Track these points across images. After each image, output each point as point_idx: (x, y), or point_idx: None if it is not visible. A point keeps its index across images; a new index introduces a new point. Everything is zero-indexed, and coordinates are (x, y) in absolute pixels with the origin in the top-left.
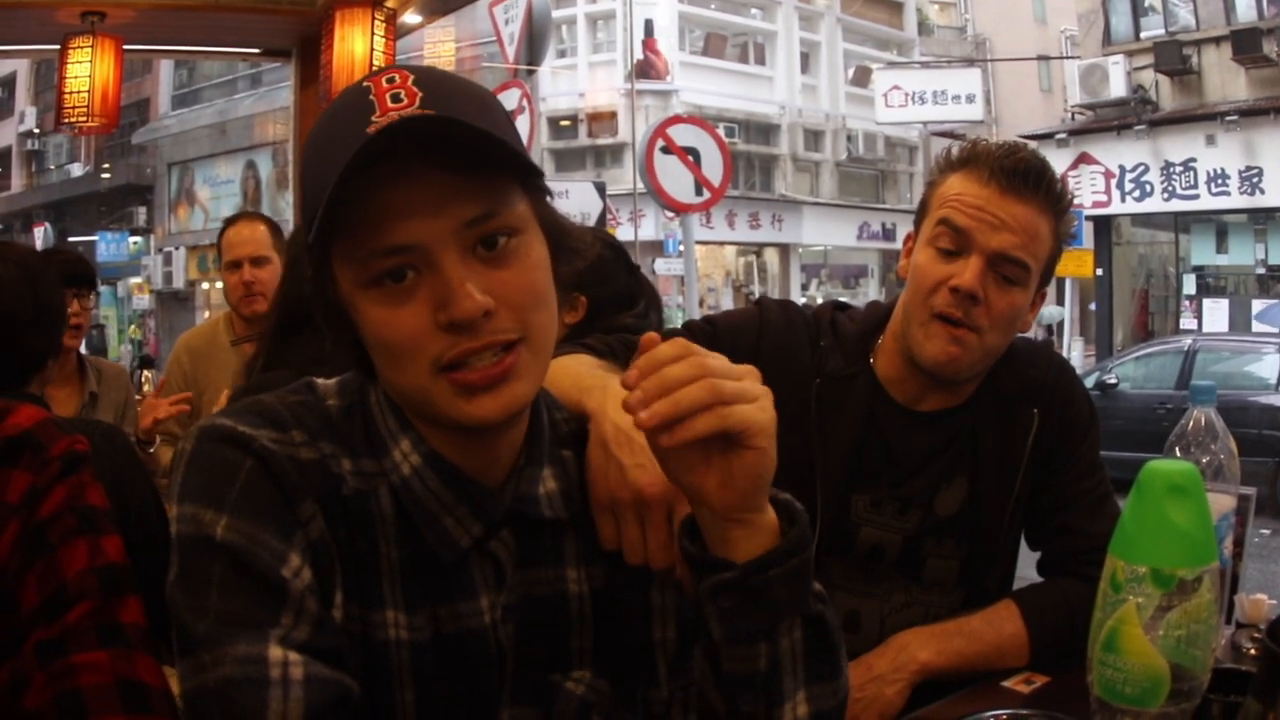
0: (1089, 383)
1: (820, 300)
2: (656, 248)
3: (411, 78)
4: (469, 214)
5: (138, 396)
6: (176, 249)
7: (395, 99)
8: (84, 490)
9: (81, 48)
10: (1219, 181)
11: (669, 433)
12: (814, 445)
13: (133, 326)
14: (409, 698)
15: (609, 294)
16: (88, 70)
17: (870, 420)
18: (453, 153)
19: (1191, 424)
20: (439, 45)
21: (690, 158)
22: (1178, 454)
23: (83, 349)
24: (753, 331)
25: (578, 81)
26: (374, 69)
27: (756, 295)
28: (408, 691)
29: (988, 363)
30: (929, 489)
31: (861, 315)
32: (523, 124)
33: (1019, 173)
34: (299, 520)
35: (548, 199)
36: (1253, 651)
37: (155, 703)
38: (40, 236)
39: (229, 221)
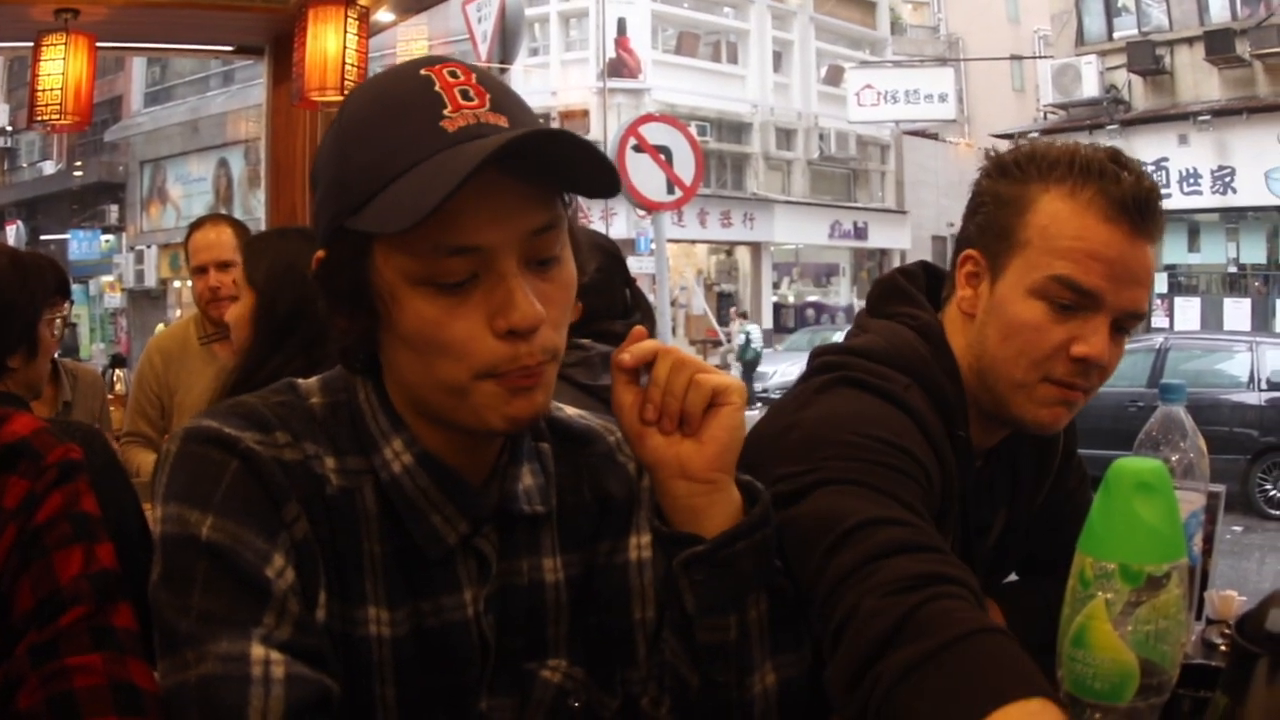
0: None
1: (791, 299)
2: (629, 246)
3: (474, 75)
4: (536, 223)
5: (110, 396)
6: (148, 247)
7: (465, 96)
8: (79, 497)
9: (54, 45)
10: (1191, 181)
11: (684, 427)
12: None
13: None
14: (390, 693)
15: (604, 303)
16: (61, 67)
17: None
18: (534, 164)
19: (1161, 422)
20: (411, 43)
21: (662, 156)
22: (1147, 452)
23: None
24: None
25: (550, 80)
26: (429, 59)
27: (728, 294)
28: (388, 687)
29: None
30: (984, 530)
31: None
32: None
33: (1149, 208)
34: (283, 521)
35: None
36: (1223, 647)
37: (148, 706)
38: (12, 234)
39: (195, 225)
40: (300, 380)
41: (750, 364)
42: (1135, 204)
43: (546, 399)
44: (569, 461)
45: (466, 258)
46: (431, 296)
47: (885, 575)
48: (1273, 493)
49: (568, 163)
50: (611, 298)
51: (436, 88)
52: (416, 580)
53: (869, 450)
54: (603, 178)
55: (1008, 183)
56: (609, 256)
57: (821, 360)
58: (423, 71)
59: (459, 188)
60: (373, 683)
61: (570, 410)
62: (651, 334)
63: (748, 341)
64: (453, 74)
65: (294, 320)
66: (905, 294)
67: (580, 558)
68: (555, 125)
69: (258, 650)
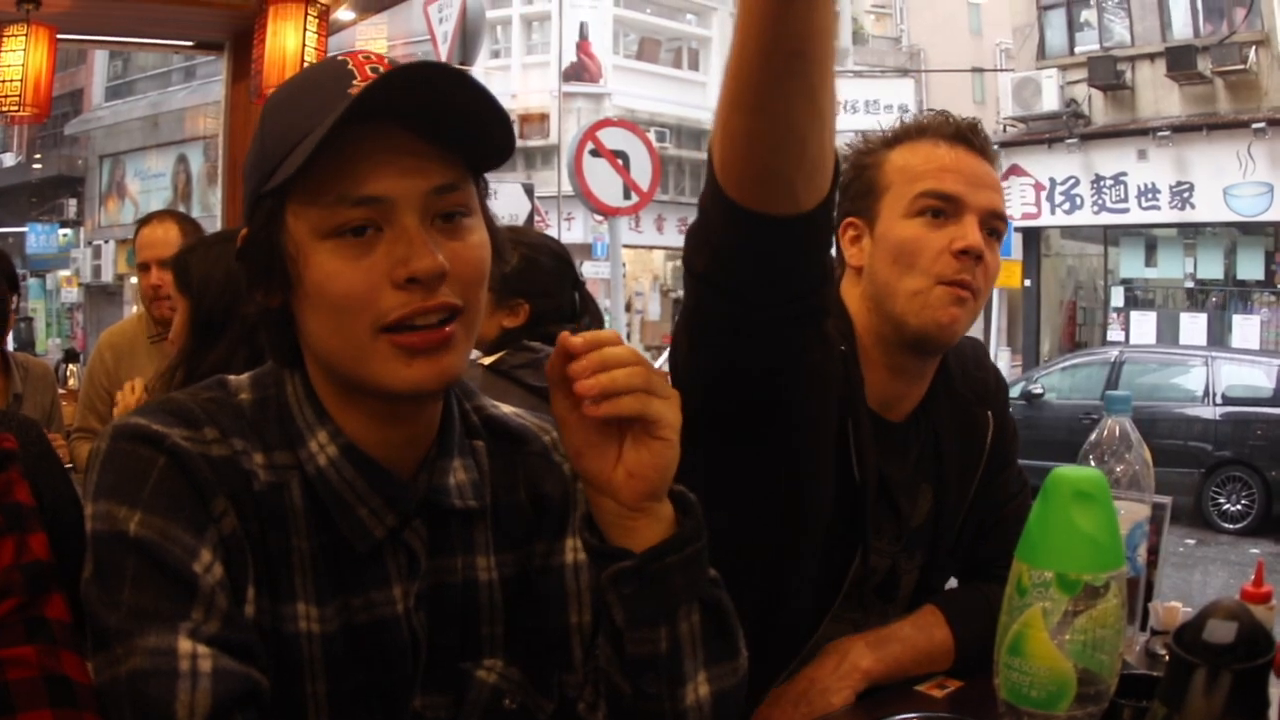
0: (1015, 392)
1: None
2: (585, 251)
3: (385, 59)
4: (438, 180)
5: (61, 391)
6: (106, 242)
7: (375, 71)
8: (12, 488)
9: (15, 36)
10: (1149, 196)
11: (600, 405)
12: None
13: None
14: (320, 689)
15: (553, 306)
16: (21, 59)
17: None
18: (430, 120)
19: (1106, 433)
20: (371, 43)
21: (619, 161)
22: (1091, 463)
23: (10, 346)
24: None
25: (511, 82)
26: (347, 53)
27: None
28: (319, 683)
29: (970, 326)
30: (909, 504)
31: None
32: None
33: (975, 133)
34: (211, 516)
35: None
36: (1165, 657)
37: (81, 698)
38: None
39: (143, 221)
40: (231, 377)
41: None
42: (966, 131)
43: (453, 364)
44: (504, 460)
45: (369, 208)
46: (336, 250)
47: None
48: (1226, 507)
49: (467, 118)
50: (560, 300)
51: (349, 66)
52: (346, 576)
53: None
54: (497, 127)
55: (861, 156)
56: (558, 260)
57: None
58: (339, 57)
59: (342, 120)
60: (303, 679)
61: (506, 408)
62: None
63: None
64: (365, 57)
65: (227, 314)
66: None
67: (515, 558)
68: (515, 127)
69: (185, 644)
